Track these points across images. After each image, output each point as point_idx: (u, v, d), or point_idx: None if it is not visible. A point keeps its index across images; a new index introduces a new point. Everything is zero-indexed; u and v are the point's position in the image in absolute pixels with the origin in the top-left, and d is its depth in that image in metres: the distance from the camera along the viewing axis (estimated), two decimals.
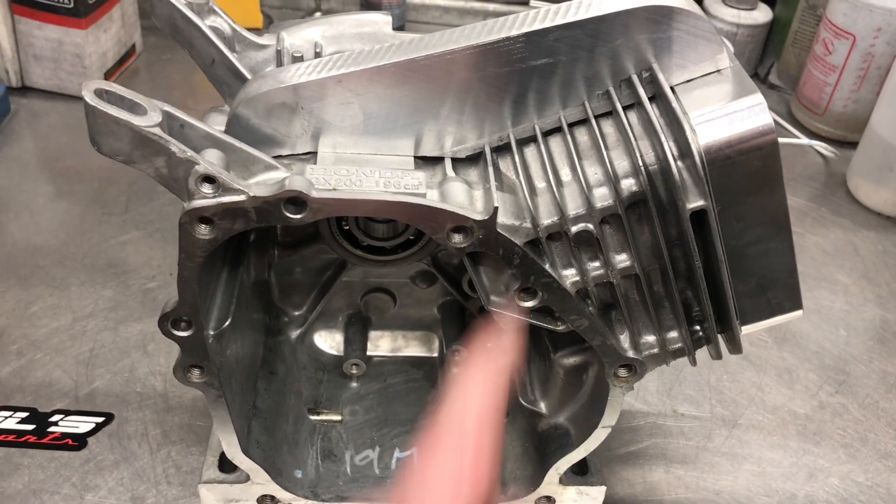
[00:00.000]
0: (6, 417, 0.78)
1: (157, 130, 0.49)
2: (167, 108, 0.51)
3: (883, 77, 1.25)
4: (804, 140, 1.35)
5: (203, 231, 0.51)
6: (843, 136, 1.35)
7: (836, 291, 1.06)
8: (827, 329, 1.00)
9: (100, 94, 0.49)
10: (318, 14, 1.52)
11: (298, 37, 0.66)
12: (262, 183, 0.52)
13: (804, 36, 1.44)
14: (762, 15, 1.45)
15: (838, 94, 1.32)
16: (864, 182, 1.22)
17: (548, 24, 0.52)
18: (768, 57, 1.53)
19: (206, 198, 0.50)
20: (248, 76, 0.62)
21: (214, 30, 0.64)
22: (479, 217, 0.51)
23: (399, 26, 1.47)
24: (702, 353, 0.61)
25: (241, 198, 0.50)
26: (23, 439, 0.77)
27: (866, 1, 1.22)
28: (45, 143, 1.18)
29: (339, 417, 0.78)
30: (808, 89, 1.36)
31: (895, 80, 1.15)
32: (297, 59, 0.65)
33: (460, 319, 0.83)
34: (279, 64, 0.66)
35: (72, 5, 1.16)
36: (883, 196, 1.20)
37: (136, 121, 0.49)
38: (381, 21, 0.66)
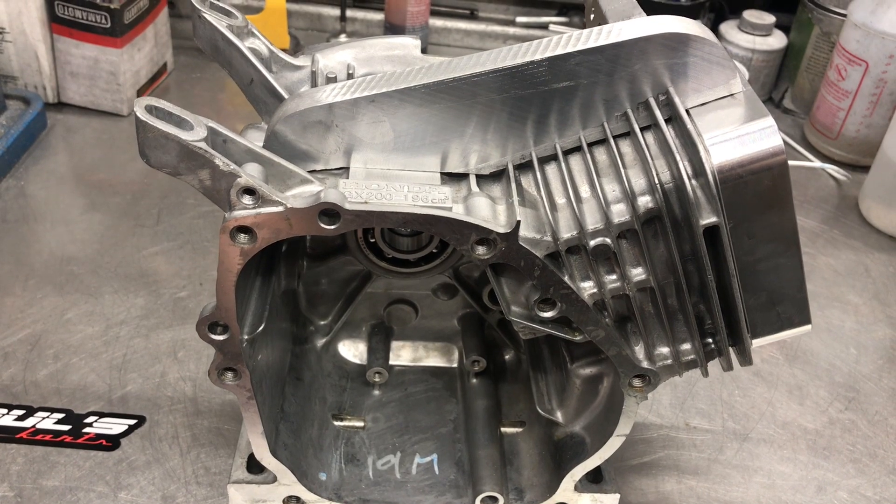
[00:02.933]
0: (44, 418, 0.82)
1: (203, 145, 0.52)
2: (211, 123, 0.54)
3: (895, 102, 1.28)
4: (817, 163, 1.37)
5: (242, 240, 0.55)
6: (855, 160, 1.37)
7: (847, 311, 1.08)
8: (837, 347, 1.02)
9: (150, 109, 0.53)
10: (343, 36, 1.56)
11: (332, 59, 0.69)
12: (299, 195, 0.55)
13: (818, 62, 1.46)
14: (777, 41, 1.48)
15: (851, 119, 1.34)
16: (876, 205, 1.24)
17: (570, 49, 0.55)
18: (783, 82, 1.56)
19: (246, 208, 0.53)
20: (285, 95, 0.66)
21: (253, 51, 0.67)
22: (502, 230, 0.54)
23: (421, 49, 1.51)
24: (714, 370, 0.63)
25: (280, 209, 0.53)
26: (59, 439, 0.80)
27: (879, 29, 1.25)
28: (80, 157, 1.22)
29: (361, 423, 0.81)
30: (822, 114, 1.39)
31: None
32: (331, 80, 0.68)
33: (480, 331, 0.86)
34: (314, 84, 0.69)
35: (109, 25, 1.21)
36: (894, 219, 1.22)
37: (184, 135, 0.52)
38: (410, 45, 0.69)
